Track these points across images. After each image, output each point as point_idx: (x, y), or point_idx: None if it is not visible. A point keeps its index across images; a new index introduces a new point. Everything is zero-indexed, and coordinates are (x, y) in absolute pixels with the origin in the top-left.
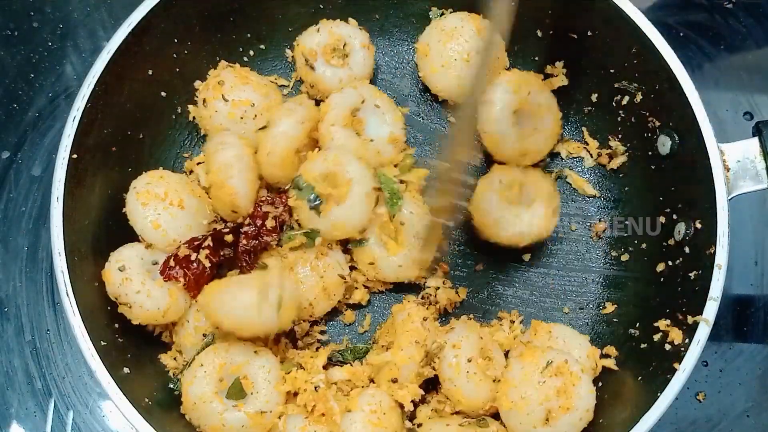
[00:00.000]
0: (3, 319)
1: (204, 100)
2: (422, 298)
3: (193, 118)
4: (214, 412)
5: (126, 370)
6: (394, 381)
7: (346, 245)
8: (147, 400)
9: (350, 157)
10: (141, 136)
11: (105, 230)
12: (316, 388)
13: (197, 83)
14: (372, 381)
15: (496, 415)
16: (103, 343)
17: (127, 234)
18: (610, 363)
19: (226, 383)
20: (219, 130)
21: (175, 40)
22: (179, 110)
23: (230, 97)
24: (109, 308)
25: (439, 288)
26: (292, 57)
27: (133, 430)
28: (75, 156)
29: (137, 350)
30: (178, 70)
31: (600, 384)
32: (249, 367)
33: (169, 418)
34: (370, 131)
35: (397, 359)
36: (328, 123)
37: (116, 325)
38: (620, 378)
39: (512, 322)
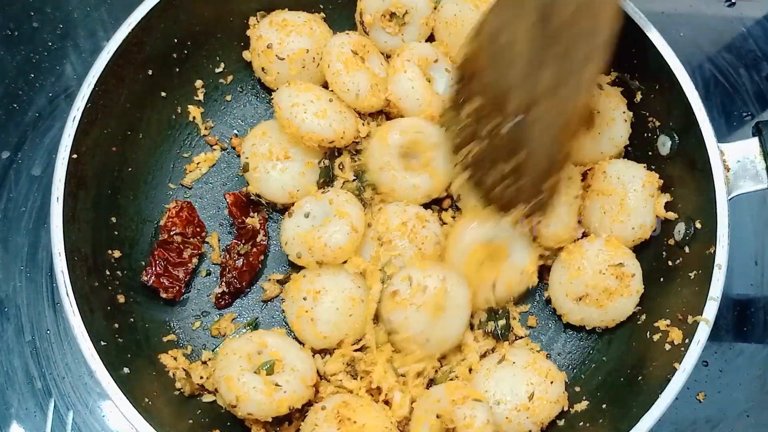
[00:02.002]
0: (3, 319)
1: (263, 69)
2: None
3: (193, 118)
4: (236, 365)
5: (126, 370)
6: None
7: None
8: (147, 400)
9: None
10: (141, 136)
11: (105, 230)
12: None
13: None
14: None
15: None
16: (103, 343)
17: (127, 234)
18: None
19: (262, 359)
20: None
21: (175, 40)
22: (179, 110)
23: (284, 54)
24: (108, 308)
25: None
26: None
27: (133, 430)
28: (75, 156)
29: (137, 350)
30: (178, 70)
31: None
32: (286, 353)
33: (169, 418)
34: (438, 89)
35: None
36: (404, 58)
37: (116, 325)
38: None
39: None
